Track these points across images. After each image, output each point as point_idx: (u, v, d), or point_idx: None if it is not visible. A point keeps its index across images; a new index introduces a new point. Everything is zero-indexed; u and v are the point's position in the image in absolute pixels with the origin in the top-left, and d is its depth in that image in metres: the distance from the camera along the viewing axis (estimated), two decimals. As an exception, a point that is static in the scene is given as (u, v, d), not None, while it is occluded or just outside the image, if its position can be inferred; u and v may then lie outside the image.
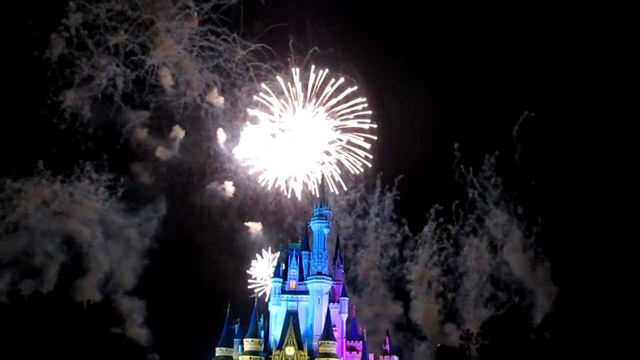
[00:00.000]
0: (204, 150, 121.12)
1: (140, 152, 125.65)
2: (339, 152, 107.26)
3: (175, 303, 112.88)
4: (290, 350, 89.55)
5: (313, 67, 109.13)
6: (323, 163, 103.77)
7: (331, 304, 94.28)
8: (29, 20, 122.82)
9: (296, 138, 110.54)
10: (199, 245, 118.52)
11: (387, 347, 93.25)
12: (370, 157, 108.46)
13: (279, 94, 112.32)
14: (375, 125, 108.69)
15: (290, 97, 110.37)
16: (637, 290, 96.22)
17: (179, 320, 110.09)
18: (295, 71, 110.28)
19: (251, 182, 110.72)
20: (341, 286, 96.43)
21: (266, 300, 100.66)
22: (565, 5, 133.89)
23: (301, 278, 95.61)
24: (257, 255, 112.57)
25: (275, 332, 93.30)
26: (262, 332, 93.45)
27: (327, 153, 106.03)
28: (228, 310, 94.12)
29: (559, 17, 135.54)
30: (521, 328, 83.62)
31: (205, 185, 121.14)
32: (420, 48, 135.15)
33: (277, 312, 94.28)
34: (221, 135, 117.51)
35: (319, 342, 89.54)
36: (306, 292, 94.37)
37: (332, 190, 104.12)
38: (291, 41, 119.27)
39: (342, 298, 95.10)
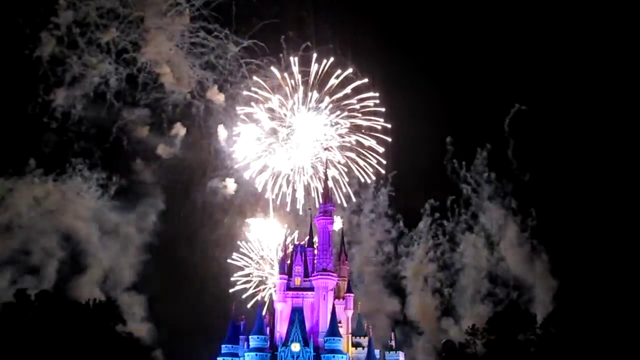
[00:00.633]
0: (205, 148, 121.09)
1: (140, 149, 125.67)
2: (346, 156, 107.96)
3: (177, 300, 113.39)
4: (295, 347, 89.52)
5: (315, 55, 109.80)
6: (327, 159, 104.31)
7: (336, 300, 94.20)
8: (19, 19, 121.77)
9: (298, 133, 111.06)
10: (200, 242, 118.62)
11: (393, 343, 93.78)
12: (384, 162, 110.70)
13: (277, 87, 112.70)
14: (389, 125, 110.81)
15: (290, 89, 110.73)
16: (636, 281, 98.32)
17: (181, 317, 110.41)
18: (294, 61, 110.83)
19: (252, 179, 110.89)
20: (346, 282, 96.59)
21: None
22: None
23: (306, 274, 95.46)
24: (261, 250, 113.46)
25: (281, 329, 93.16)
26: (268, 329, 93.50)
27: (330, 149, 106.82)
28: (233, 307, 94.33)
29: (548, 9, 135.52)
30: (526, 323, 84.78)
31: (206, 182, 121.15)
32: (411, 41, 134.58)
33: (282, 309, 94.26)
34: (222, 132, 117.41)
35: (325, 338, 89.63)
36: (311, 289, 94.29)
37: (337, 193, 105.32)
38: (289, 33, 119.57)
39: (348, 294, 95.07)
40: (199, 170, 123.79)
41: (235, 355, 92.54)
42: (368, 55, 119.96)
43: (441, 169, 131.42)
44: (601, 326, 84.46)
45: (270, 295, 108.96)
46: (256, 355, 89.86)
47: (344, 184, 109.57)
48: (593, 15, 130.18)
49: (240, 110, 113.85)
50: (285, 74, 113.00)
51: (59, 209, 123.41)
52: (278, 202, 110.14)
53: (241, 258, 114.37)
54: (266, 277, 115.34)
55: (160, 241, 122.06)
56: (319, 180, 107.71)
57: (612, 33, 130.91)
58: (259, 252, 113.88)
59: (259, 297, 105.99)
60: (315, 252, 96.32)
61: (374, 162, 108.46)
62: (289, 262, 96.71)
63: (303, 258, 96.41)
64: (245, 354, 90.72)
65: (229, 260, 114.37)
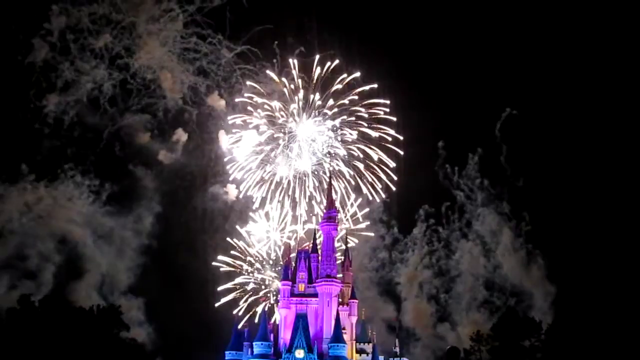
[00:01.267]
0: (206, 154, 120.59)
1: (136, 154, 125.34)
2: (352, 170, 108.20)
3: (178, 305, 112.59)
4: (300, 354, 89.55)
5: (317, 57, 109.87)
6: (331, 165, 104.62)
7: (340, 306, 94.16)
8: (12, 25, 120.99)
9: (299, 139, 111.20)
10: (200, 247, 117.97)
11: (397, 350, 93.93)
12: (395, 178, 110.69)
13: (276, 93, 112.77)
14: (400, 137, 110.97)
15: (289, 94, 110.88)
16: (632, 280, 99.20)
17: (182, 323, 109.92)
18: (294, 64, 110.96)
19: (255, 185, 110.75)
20: (350, 288, 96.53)
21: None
22: (544, 2, 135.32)
23: (310, 281, 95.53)
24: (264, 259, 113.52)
25: (285, 335, 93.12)
26: (272, 335, 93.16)
27: (334, 155, 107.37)
28: (237, 313, 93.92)
29: (538, 13, 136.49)
30: (532, 329, 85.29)
31: (207, 188, 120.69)
32: (400, 44, 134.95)
33: (286, 315, 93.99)
34: (223, 138, 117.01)
35: (329, 344, 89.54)
36: (315, 295, 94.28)
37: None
38: (288, 38, 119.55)
39: (352, 300, 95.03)
40: (200, 176, 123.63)
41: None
42: (357, 58, 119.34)
43: (434, 175, 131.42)
44: (602, 329, 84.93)
45: (268, 300, 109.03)
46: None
47: (345, 194, 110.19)
48: (583, 18, 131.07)
49: (238, 117, 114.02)
50: (285, 79, 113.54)
51: (52, 215, 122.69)
52: (279, 209, 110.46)
53: (234, 264, 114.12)
54: (263, 284, 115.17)
55: (158, 245, 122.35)
56: (318, 188, 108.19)
57: (603, 36, 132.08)
58: (259, 257, 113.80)
59: (260, 305, 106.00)
60: (319, 258, 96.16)
61: (382, 175, 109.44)
62: (292, 268, 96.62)
63: (307, 264, 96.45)
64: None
65: (214, 263, 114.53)
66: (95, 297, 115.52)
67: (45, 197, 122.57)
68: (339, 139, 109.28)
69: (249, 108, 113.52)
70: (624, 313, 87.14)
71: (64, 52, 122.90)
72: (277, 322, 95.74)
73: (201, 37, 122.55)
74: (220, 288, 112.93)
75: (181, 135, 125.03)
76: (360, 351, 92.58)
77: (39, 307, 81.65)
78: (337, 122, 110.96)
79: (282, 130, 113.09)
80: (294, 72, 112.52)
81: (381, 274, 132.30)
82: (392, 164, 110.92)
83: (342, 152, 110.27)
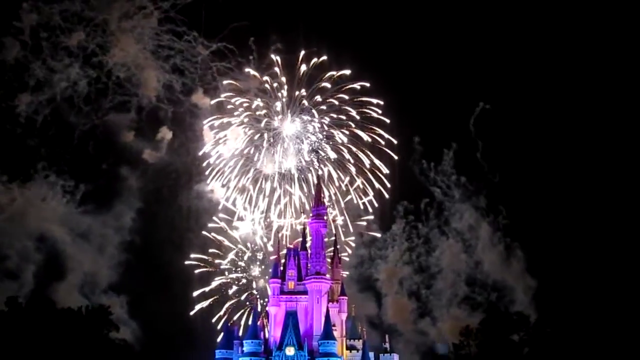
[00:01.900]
0: (191, 152, 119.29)
1: (125, 153, 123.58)
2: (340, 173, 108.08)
3: (163, 304, 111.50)
4: (290, 351, 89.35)
5: (302, 52, 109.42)
6: (319, 161, 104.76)
7: (330, 303, 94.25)
8: None
9: (283, 136, 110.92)
10: (186, 245, 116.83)
11: (387, 345, 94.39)
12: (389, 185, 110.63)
13: (258, 90, 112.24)
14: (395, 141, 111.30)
15: (271, 91, 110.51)
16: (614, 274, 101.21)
17: (168, 322, 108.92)
18: (277, 61, 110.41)
19: (239, 183, 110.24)
20: (340, 285, 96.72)
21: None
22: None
23: (300, 278, 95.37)
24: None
25: (275, 333, 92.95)
26: (262, 333, 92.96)
27: (319, 151, 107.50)
28: (227, 312, 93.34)
29: (510, 7, 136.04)
30: (520, 323, 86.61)
31: (192, 186, 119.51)
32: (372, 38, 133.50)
33: (276, 313, 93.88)
34: (207, 136, 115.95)
35: (319, 341, 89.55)
36: (305, 292, 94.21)
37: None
38: (272, 36, 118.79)
39: (341, 297, 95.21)
40: (184, 174, 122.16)
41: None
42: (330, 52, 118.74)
43: (410, 171, 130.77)
44: (583, 320, 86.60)
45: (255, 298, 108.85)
46: (250, 359, 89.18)
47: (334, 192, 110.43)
48: (554, 10, 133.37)
49: (220, 117, 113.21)
50: (267, 77, 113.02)
51: (27, 214, 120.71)
52: (265, 207, 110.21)
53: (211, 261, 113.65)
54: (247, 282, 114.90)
55: (141, 242, 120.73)
56: (304, 186, 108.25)
57: (575, 28, 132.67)
58: (243, 255, 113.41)
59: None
60: (309, 255, 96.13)
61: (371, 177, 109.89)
62: (282, 266, 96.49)
63: (296, 262, 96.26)
64: (240, 358, 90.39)
65: (186, 262, 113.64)
66: (76, 295, 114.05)
67: (19, 197, 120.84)
68: (321, 135, 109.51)
69: (230, 106, 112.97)
70: (606, 302, 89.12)
71: (35, 51, 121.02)
72: (266, 320, 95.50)
73: (176, 35, 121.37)
74: (196, 293, 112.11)
75: (166, 134, 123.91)
76: (350, 347, 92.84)
77: (27, 308, 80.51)
78: (316, 116, 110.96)
79: (267, 127, 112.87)
80: (277, 69, 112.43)
81: (360, 270, 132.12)
82: (382, 166, 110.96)
83: (327, 147, 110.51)
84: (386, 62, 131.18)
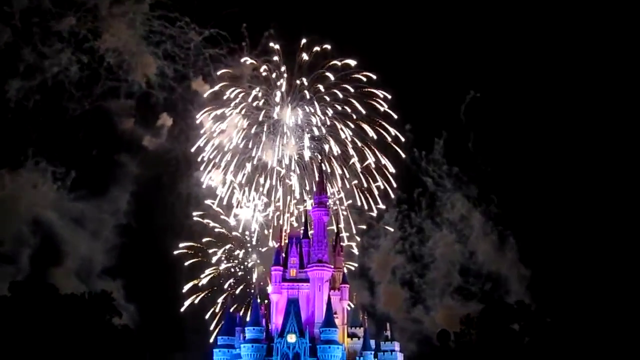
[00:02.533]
0: (190, 139, 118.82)
1: (123, 139, 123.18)
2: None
3: (166, 290, 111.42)
4: (291, 338, 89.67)
5: (304, 41, 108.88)
6: (322, 151, 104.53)
7: (332, 291, 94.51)
8: None
9: (284, 124, 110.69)
10: (186, 231, 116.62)
11: (388, 334, 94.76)
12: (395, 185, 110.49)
13: (257, 78, 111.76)
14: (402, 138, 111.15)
15: (272, 79, 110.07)
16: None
17: (173, 308, 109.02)
18: (277, 49, 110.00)
19: (241, 171, 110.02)
20: (341, 273, 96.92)
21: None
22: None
23: (301, 266, 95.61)
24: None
25: (277, 320, 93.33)
26: (264, 320, 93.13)
27: (318, 139, 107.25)
28: (230, 298, 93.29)
29: None
30: (520, 312, 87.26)
31: (191, 173, 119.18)
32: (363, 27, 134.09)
33: (278, 300, 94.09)
34: (207, 123, 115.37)
35: (321, 329, 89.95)
36: (307, 280, 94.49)
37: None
38: (272, 23, 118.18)
39: (343, 285, 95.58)
40: (183, 161, 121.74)
41: (232, 346, 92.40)
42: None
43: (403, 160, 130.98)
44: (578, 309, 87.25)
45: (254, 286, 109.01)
46: (252, 346, 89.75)
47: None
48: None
49: (218, 107, 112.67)
50: (266, 65, 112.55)
51: (19, 199, 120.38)
52: (266, 194, 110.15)
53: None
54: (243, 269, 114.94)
55: (139, 228, 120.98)
56: (305, 173, 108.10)
57: (565, 17, 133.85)
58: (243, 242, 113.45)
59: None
60: (311, 243, 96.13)
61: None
62: (284, 254, 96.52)
63: (298, 250, 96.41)
64: (242, 345, 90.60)
65: (175, 252, 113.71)
66: (74, 279, 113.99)
67: (10, 184, 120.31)
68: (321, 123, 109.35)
69: (228, 95, 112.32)
70: (601, 290, 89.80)
71: (26, 36, 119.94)
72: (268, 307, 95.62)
73: (169, 20, 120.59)
74: (186, 287, 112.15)
75: (166, 120, 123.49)
76: (351, 335, 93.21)
77: (29, 294, 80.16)
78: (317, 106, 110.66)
79: (266, 115, 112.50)
80: (276, 57, 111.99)
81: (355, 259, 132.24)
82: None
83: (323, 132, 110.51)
84: (374, 49, 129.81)
